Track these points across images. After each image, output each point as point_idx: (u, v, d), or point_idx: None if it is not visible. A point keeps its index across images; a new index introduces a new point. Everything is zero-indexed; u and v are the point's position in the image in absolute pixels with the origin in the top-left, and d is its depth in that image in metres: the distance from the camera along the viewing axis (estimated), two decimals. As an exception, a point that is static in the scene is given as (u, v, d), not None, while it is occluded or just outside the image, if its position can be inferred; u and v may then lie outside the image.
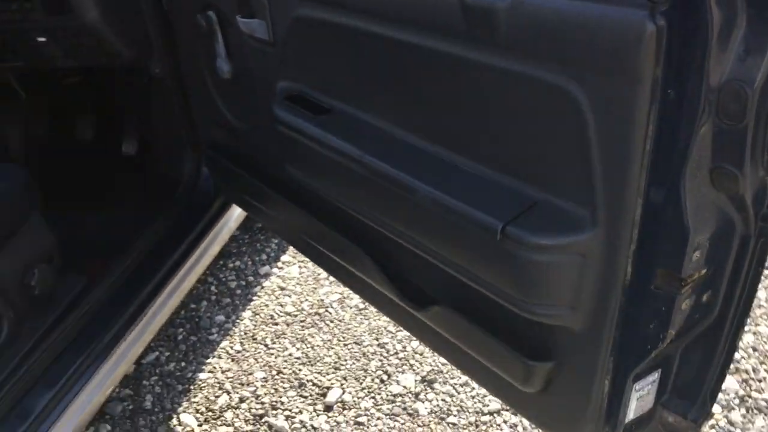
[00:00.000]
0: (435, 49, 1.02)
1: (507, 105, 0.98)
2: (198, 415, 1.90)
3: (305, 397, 1.92)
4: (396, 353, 2.03)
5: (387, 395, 1.91)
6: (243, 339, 2.12)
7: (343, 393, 1.93)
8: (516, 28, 0.90)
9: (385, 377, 1.97)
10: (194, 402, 1.93)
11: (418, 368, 1.98)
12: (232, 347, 2.10)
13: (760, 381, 1.89)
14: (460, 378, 1.93)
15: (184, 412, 1.91)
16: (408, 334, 2.05)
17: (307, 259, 2.38)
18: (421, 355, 2.02)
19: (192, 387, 1.98)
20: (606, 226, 0.92)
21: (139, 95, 2.19)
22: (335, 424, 1.85)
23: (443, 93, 1.07)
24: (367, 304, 2.19)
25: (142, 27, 1.76)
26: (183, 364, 2.06)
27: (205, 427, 1.86)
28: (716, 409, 1.80)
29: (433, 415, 1.85)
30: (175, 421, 1.89)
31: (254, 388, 1.96)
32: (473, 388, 1.90)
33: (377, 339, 2.08)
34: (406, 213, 1.16)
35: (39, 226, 1.66)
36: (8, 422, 1.47)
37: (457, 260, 1.11)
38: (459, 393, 1.90)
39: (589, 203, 0.92)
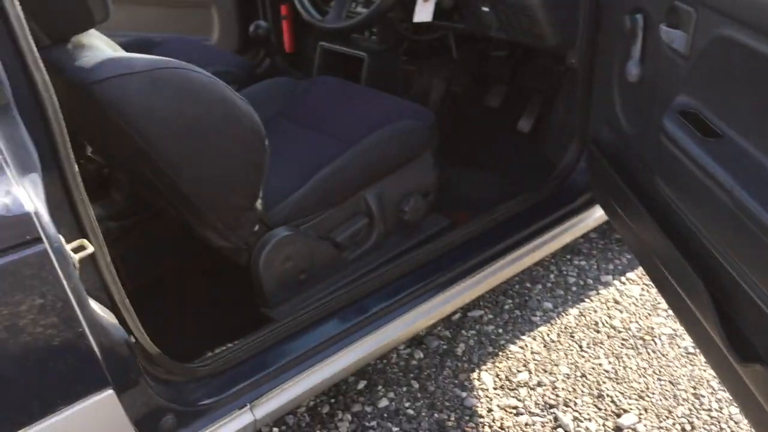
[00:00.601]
0: None
1: None
2: (496, 379, 2.02)
3: (599, 409, 1.92)
4: (709, 410, 1.90)
5: (682, 445, 1.82)
6: (561, 332, 2.18)
7: (639, 422, 1.88)
8: None
9: (688, 427, 1.86)
10: (497, 366, 2.06)
11: (726, 434, 1.83)
12: (548, 335, 2.17)
13: None
14: (770, 465, 1.74)
15: (486, 371, 2.05)
16: (729, 396, 1.91)
17: (651, 285, 2.33)
18: (736, 423, 1.86)
19: (500, 353, 2.11)
20: None
21: (549, 80, 2.33)
22: (618, 446, 1.82)
23: None
24: (697, 351, 2.08)
25: (573, 18, 1.88)
26: (500, 330, 2.19)
27: (498, 391, 1.98)
28: None
29: (723, 486, 1.72)
30: (474, 375, 2.04)
31: (555, 379, 2.01)
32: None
33: (695, 388, 1.97)
34: (760, 257, 1.10)
35: (427, 164, 1.91)
36: (345, 313, 1.74)
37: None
38: (762, 479, 1.72)
39: None
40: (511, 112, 2.53)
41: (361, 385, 2.02)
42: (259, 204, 1.61)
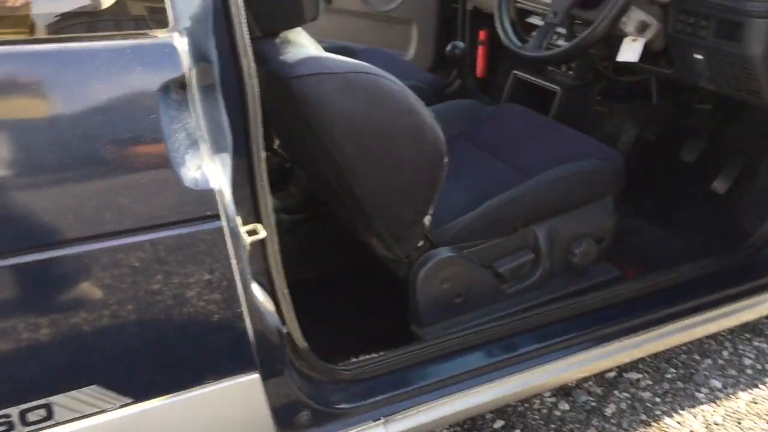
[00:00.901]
0: None
1: None
2: (644, 451, 1.87)
3: None
4: None
5: None
6: (727, 415, 1.97)
7: None
8: None
9: None
10: (648, 438, 1.91)
11: None
12: (711, 416, 1.97)
13: None
14: None
15: (634, 440, 1.91)
16: None
17: (844, 385, 2.06)
18: None
19: (654, 424, 1.95)
20: None
21: (755, 140, 2.14)
22: None
23: None
24: None
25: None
26: (657, 399, 2.02)
27: (644, 464, 1.83)
28: None
29: None
30: (621, 442, 1.90)
31: (711, 466, 1.83)
32: None
33: None
34: None
35: (607, 208, 1.81)
36: (494, 347, 1.68)
37: None
38: None
39: None
40: (706, 169, 2.34)
41: (498, 424, 1.94)
42: (427, 220, 1.59)
